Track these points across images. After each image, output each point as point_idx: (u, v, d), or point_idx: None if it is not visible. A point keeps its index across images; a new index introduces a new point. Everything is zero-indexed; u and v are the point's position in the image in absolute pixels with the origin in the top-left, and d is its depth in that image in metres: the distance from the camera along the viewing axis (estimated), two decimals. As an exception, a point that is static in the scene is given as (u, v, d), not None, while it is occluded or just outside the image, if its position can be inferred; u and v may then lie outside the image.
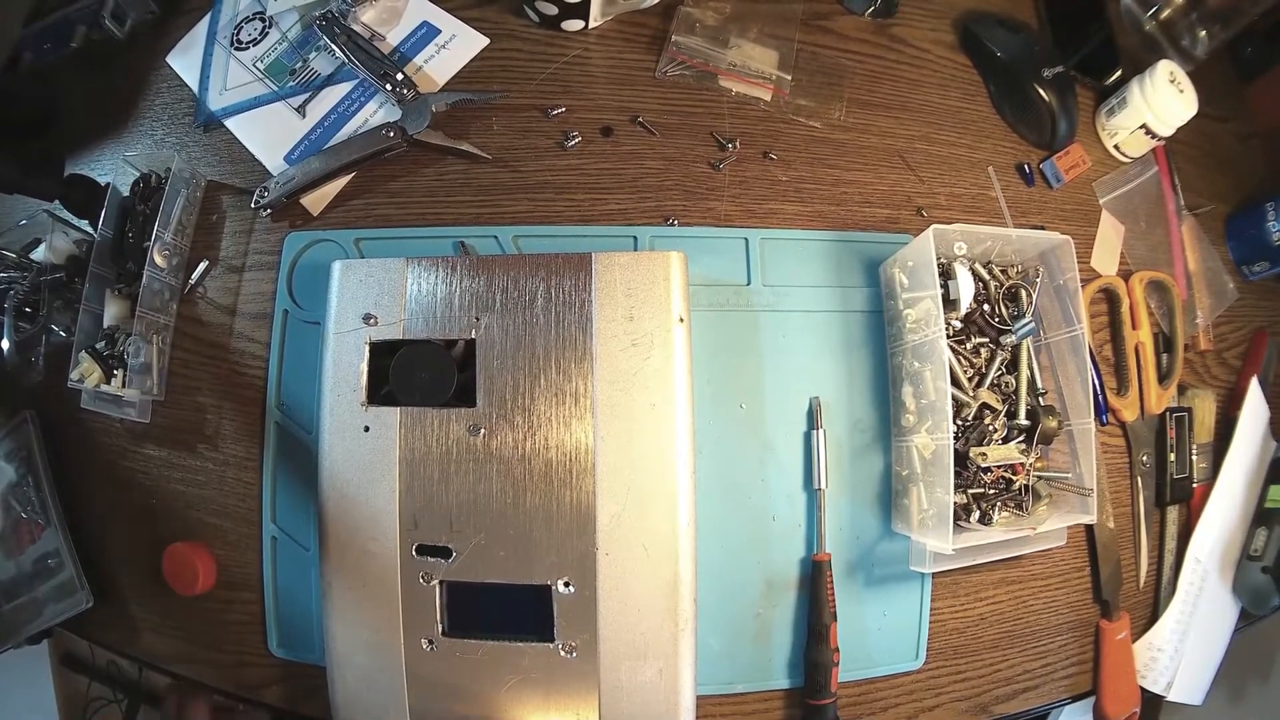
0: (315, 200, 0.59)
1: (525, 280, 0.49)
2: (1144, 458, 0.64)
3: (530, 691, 0.48)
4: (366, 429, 0.49)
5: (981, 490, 0.55)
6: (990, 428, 0.55)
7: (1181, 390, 0.67)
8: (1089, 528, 0.62)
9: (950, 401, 0.51)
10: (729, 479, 0.56)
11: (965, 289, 0.55)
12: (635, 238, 0.58)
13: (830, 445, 0.57)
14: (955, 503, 0.52)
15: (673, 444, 0.47)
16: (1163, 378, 0.66)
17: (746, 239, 0.59)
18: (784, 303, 0.58)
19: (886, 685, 0.56)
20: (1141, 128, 0.66)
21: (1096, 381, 0.62)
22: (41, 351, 0.57)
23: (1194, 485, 0.65)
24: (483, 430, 0.48)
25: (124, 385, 0.53)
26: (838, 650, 0.53)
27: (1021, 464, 0.55)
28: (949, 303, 0.55)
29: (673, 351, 0.48)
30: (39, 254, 0.58)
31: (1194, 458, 0.65)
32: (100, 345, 0.55)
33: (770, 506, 0.56)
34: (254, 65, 0.62)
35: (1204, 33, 0.70)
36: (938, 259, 0.54)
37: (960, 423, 0.55)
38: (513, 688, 0.48)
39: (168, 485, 0.56)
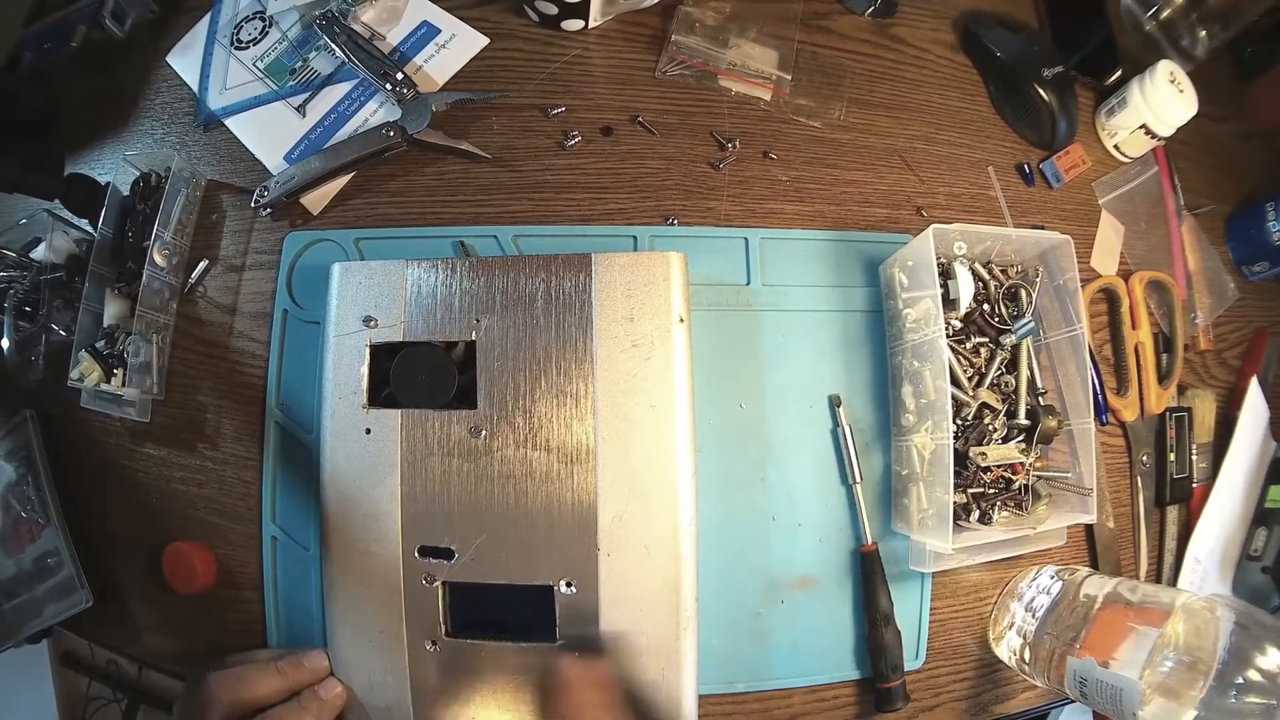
0: (315, 200, 0.59)
1: (525, 281, 0.49)
2: (1144, 458, 0.64)
3: (532, 691, 0.48)
4: (368, 431, 0.49)
5: (981, 490, 0.55)
6: (990, 427, 0.56)
7: (1181, 390, 0.67)
8: (1089, 527, 0.62)
9: (950, 401, 0.51)
10: (729, 478, 0.56)
11: (965, 289, 0.55)
12: (635, 237, 0.58)
13: (831, 444, 0.57)
14: (955, 502, 0.52)
15: (673, 444, 0.47)
16: (1163, 378, 0.66)
17: (746, 239, 0.59)
18: (784, 302, 0.58)
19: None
20: (1141, 128, 0.66)
21: (1096, 381, 0.62)
22: (41, 350, 0.57)
23: (1194, 485, 0.65)
24: (484, 432, 0.48)
25: (124, 384, 0.53)
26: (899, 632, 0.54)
27: (1021, 464, 0.55)
28: (949, 302, 0.55)
29: (673, 352, 0.48)
30: (39, 253, 0.58)
31: (1194, 458, 0.65)
32: (100, 344, 0.55)
33: (770, 506, 0.56)
34: (254, 65, 0.62)
35: (1204, 33, 0.70)
36: (937, 259, 0.54)
37: (960, 422, 0.55)
38: (515, 688, 0.48)
39: (168, 484, 0.56)
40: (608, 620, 0.47)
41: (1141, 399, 0.65)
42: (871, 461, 0.58)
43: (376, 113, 0.60)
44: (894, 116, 0.66)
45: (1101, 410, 0.63)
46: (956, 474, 0.52)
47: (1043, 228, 0.65)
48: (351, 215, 0.59)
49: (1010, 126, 0.68)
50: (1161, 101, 0.64)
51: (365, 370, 0.49)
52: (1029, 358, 0.57)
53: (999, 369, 0.57)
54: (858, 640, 0.56)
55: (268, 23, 0.63)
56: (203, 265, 0.58)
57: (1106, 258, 0.67)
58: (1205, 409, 0.67)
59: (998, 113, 0.68)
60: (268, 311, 0.57)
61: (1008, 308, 0.58)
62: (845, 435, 0.56)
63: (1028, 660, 0.54)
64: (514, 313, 0.49)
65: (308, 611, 0.53)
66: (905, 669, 0.54)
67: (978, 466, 0.54)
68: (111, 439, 0.57)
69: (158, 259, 0.55)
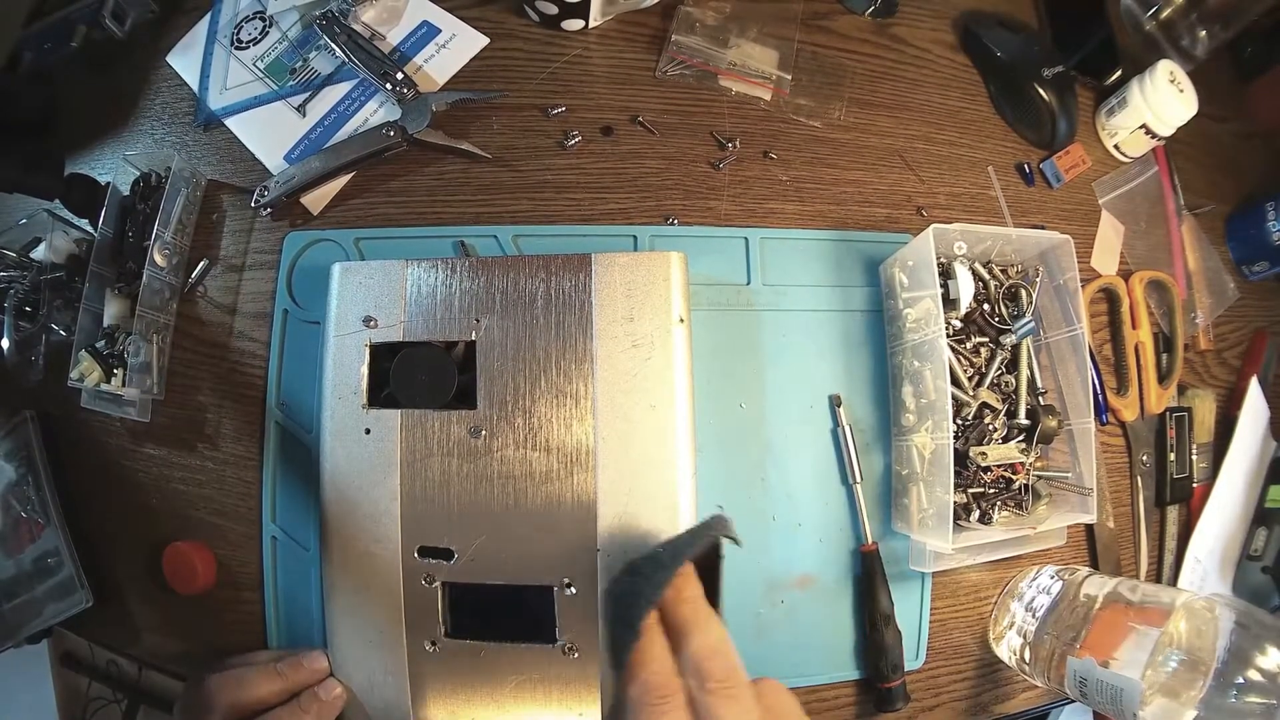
0: (315, 199, 0.59)
1: (525, 281, 0.49)
2: (1144, 457, 0.64)
3: (532, 692, 0.48)
4: (368, 431, 0.49)
5: (981, 490, 0.55)
6: (990, 427, 0.56)
7: (1181, 390, 0.67)
8: (1089, 527, 0.62)
9: (950, 401, 0.51)
10: (729, 478, 0.56)
11: (965, 288, 0.55)
12: (635, 237, 0.58)
13: (831, 444, 0.57)
14: (955, 502, 0.52)
15: (673, 444, 0.47)
16: (1163, 377, 0.66)
17: (746, 238, 0.59)
18: (784, 302, 0.58)
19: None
20: (1141, 128, 0.66)
21: (1096, 381, 0.62)
22: (41, 351, 0.57)
23: (1194, 485, 0.65)
24: (483, 432, 0.48)
25: (124, 384, 0.53)
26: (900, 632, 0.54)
27: (1021, 463, 0.55)
28: (949, 302, 0.55)
29: (673, 352, 0.48)
30: (39, 253, 0.58)
31: (1194, 457, 0.65)
32: (100, 344, 0.55)
33: (770, 506, 0.56)
34: (254, 64, 0.62)
35: (1204, 33, 0.70)
36: (938, 258, 0.54)
37: (960, 422, 0.55)
38: (515, 688, 0.48)
39: (168, 484, 0.56)
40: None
41: (1141, 399, 0.65)
42: (871, 461, 0.58)
43: (376, 113, 0.60)
44: (894, 116, 0.66)
45: (1101, 410, 0.63)
46: (956, 474, 0.52)
47: (1043, 228, 0.65)
48: (351, 215, 0.59)
49: (1010, 126, 0.68)
50: (1161, 101, 0.64)
51: (365, 370, 0.49)
52: (1029, 358, 0.57)
53: (999, 369, 0.57)
54: (858, 640, 0.56)
55: (268, 23, 0.63)
56: (203, 265, 0.58)
57: (1106, 258, 0.67)
58: (1205, 409, 0.67)
59: (998, 113, 0.68)
60: (268, 311, 0.57)
61: (1008, 308, 0.58)
62: (845, 435, 0.56)
63: (1028, 660, 0.54)
64: (514, 313, 0.49)
65: (308, 611, 0.53)
66: (905, 669, 0.54)
67: (978, 466, 0.54)
68: (111, 439, 0.57)
69: (158, 259, 0.55)
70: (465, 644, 0.48)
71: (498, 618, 0.48)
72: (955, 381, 0.55)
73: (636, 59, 0.63)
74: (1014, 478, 0.55)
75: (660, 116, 0.62)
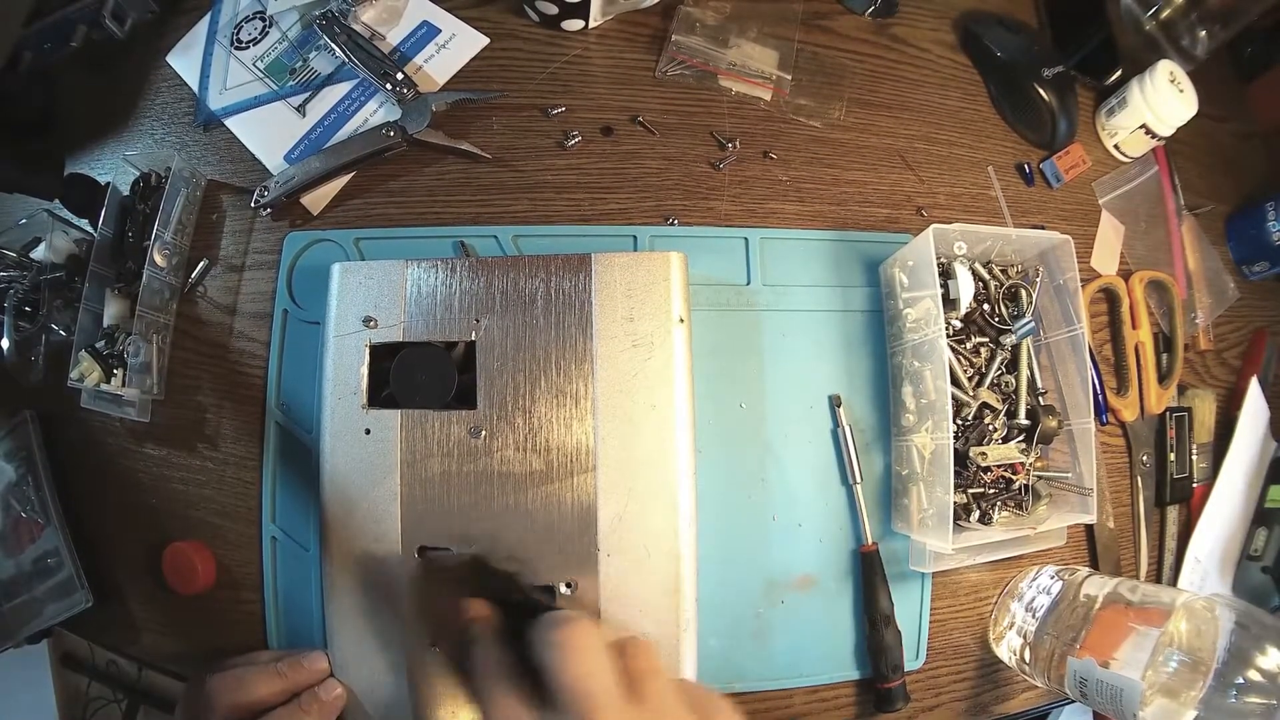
0: (315, 200, 0.59)
1: (525, 281, 0.49)
2: (1144, 458, 0.64)
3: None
4: (368, 432, 0.49)
5: (981, 490, 0.55)
6: (990, 427, 0.56)
7: (1181, 390, 0.67)
8: (1089, 527, 0.62)
9: (950, 401, 0.51)
10: (729, 479, 0.56)
11: (965, 288, 0.55)
12: (635, 237, 0.58)
13: (831, 444, 0.57)
14: (955, 502, 0.52)
15: (673, 445, 0.47)
16: (1163, 377, 0.66)
17: (746, 239, 0.59)
18: (784, 302, 0.58)
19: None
20: (1141, 128, 0.66)
21: (1096, 381, 0.62)
22: (41, 351, 0.57)
23: (1194, 485, 0.65)
24: (483, 432, 0.48)
25: (124, 384, 0.53)
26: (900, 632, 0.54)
27: (1021, 463, 0.55)
28: (949, 302, 0.55)
29: (673, 352, 0.48)
30: (39, 253, 0.58)
31: (1194, 458, 0.65)
32: (100, 344, 0.55)
33: (770, 506, 0.56)
34: (254, 65, 0.62)
35: (1204, 33, 0.70)
36: (938, 258, 0.54)
37: (960, 422, 0.55)
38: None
39: (168, 485, 0.56)
40: (608, 620, 0.47)
41: (1141, 399, 0.65)
42: (871, 461, 0.58)
43: (376, 113, 0.60)
44: (894, 116, 0.66)
45: (1101, 410, 0.63)
46: (956, 474, 0.52)
47: (1043, 228, 0.65)
48: (351, 215, 0.59)
49: (1010, 126, 0.68)
50: (1161, 101, 0.64)
51: (365, 370, 0.49)
52: (1029, 358, 0.57)
53: (999, 369, 0.57)
54: (858, 640, 0.56)
55: (268, 23, 0.63)
56: (203, 265, 0.58)
57: (1106, 258, 0.67)
58: (1205, 409, 0.67)
59: (998, 113, 0.69)
60: (268, 311, 0.57)
61: (1008, 308, 0.58)
62: (845, 435, 0.56)
63: (1028, 660, 0.54)
64: (514, 313, 0.49)
65: (308, 611, 0.53)
66: (905, 669, 0.54)
67: (978, 466, 0.54)
68: (111, 439, 0.57)
69: (158, 259, 0.55)
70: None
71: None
72: (955, 381, 0.55)
73: (636, 59, 0.63)
74: (1014, 478, 0.55)
75: (660, 116, 0.62)
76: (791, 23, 0.65)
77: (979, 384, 0.56)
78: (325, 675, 0.49)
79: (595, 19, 0.62)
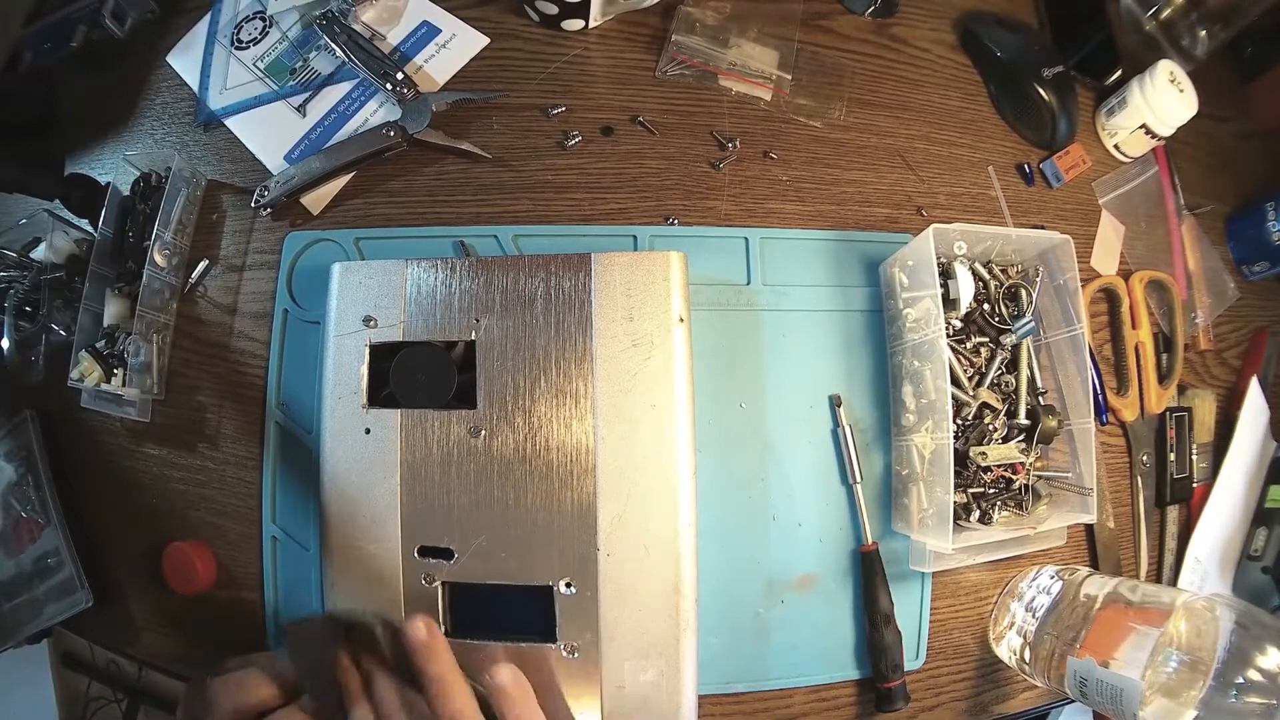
0: (315, 200, 0.59)
1: (525, 281, 0.49)
2: (1144, 457, 0.64)
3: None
4: (367, 431, 0.49)
5: (981, 490, 0.55)
6: (990, 427, 0.55)
7: (1181, 390, 0.67)
8: (1089, 527, 0.62)
9: (950, 401, 0.51)
10: (729, 478, 0.56)
11: (965, 288, 0.55)
12: (635, 237, 0.58)
13: (831, 444, 0.57)
14: (955, 502, 0.52)
15: (673, 444, 0.47)
16: (1163, 377, 0.66)
17: (746, 238, 0.59)
18: (784, 302, 0.58)
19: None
20: (1141, 128, 0.66)
21: (1096, 381, 0.62)
22: (41, 351, 0.57)
23: (1194, 485, 0.65)
24: (483, 432, 0.48)
25: (124, 384, 0.53)
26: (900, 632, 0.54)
27: (1021, 463, 0.55)
28: (949, 302, 0.55)
29: (673, 352, 0.48)
30: (39, 253, 0.58)
31: (1194, 457, 0.65)
32: (100, 344, 0.55)
33: (770, 506, 0.56)
34: (254, 64, 0.62)
35: (1204, 33, 0.70)
36: (938, 258, 0.54)
37: (960, 422, 0.55)
38: (513, 688, 0.48)
39: (168, 484, 0.56)
40: (608, 620, 0.47)
41: (1142, 399, 0.65)
42: (871, 461, 0.58)
43: (376, 113, 0.60)
44: (894, 116, 0.66)
45: (1101, 410, 0.63)
46: (956, 474, 0.52)
47: (1043, 228, 0.65)
48: (351, 215, 0.59)
49: (1010, 126, 0.68)
50: (1161, 101, 0.64)
51: (365, 370, 0.49)
52: (1029, 358, 0.57)
53: (999, 369, 0.57)
54: (858, 640, 0.56)
55: (268, 23, 0.63)
56: (203, 265, 0.58)
57: (1106, 258, 0.67)
58: (1205, 409, 0.67)
59: (998, 113, 0.68)
60: (268, 311, 0.57)
61: (1008, 307, 0.58)
62: (845, 435, 0.56)
63: (1028, 660, 0.54)
64: (514, 312, 0.49)
65: (308, 611, 0.53)
66: (905, 669, 0.54)
67: (978, 466, 0.54)
68: (111, 439, 0.57)
69: (158, 259, 0.55)
70: (465, 644, 0.48)
71: (498, 617, 0.48)
72: (955, 381, 0.55)
73: (636, 59, 0.63)
74: (1014, 478, 0.55)
75: (660, 116, 0.62)
76: (791, 23, 0.65)
77: (979, 384, 0.56)
78: None
79: (595, 19, 0.62)
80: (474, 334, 0.49)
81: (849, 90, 0.65)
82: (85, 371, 0.53)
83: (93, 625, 0.57)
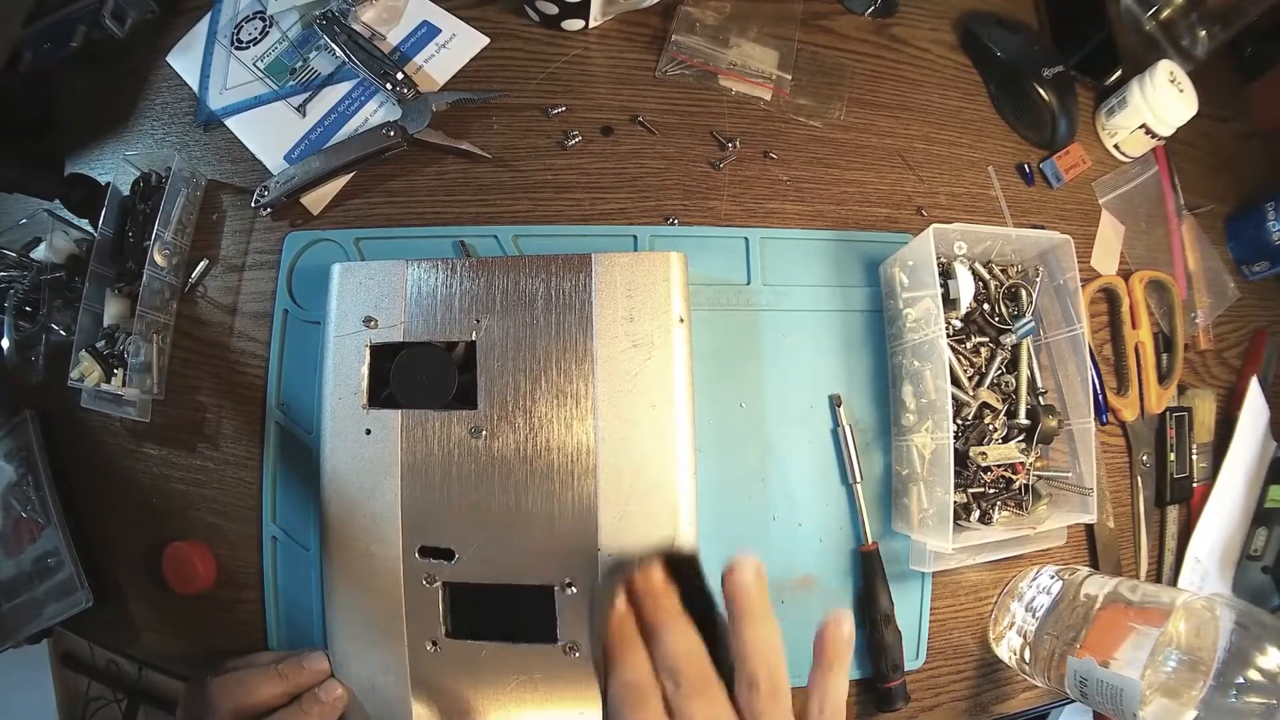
0: (315, 200, 0.59)
1: (525, 281, 0.49)
2: (1144, 457, 0.64)
3: (533, 692, 0.48)
4: (368, 432, 0.49)
5: (981, 490, 0.55)
6: (990, 427, 0.56)
7: (1181, 390, 0.67)
8: (1089, 527, 0.62)
9: (950, 401, 0.51)
10: (729, 478, 0.56)
11: (965, 288, 0.55)
12: (635, 237, 0.58)
13: (831, 444, 0.57)
14: (955, 502, 0.52)
15: (673, 444, 0.47)
16: (1163, 377, 0.66)
17: (746, 238, 0.59)
18: (784, 302, 0.58)
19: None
20: (1141, 128, 0.66)
21: (1096, 381, 0.62)
22: (41, 351, 0.57)
23: (1194, 485, 0.65)
24: (484, 432, 0.48)
25: (124, 384, 0.53)
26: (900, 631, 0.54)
27: (1021, 463, 0.55)
28: (949, 302, 0.55)
29: (673, 352, 0.48)
30: (39, 253, 0.58)
31: (1194, 457, 0.65)
32: (100, 344, 0.55)
33: (770, 506, 0.56)
34: (254, 64, 0.62)
35: (1204, 33, 0.70)
36: (938, 258, 0.54)
37: (960, 422, 0.55)
38: (516, 688, 0.48)
39: (168, 484, 0.56)
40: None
41: (1142, 399, 0.65)
42: (871, 461, 0.58)
43: (376, 113, 0.60)
44: (894, 116, 0.66)
45: (1101, 410, 0.63)
46: (957, 474, 0.52)
47: (1043, 228, 0.65)
48: (351, 215, 0.59)
49: (1010, 126, 0.68)
50: (1161, 101, 0.64)
51: (365, 370, 0.49)
52: (1029, 357, 0.57)
53: (999, 369, 0.57)
54: (858, 640, 0.56)
55: (268, 23, 0.63)
56: (203, 265, 0.58)
57: (1106, 258, 0.67)
58: (1205, 409, 0.67)
59: (998, 113, 0.68)
60: (268, 311, 0.57)
61: (1008, 307, 0.58)
62: (845, 435, 0.56)
63: (1028, 660, 0.54)
64: (514, 313, 0.49)
65: (308, 612, 0.53)
66: (906, 669, 0.54)
67: (978, 466, 0.54)
68: (111, 439, 0.57)
69: (158, 259, 0.55)
70: (466, 644, 0.48)
71: (498, 618, 0.48)
72: (955, 381, 0.55)
73: (636, 59, 0.63)
74: (1014, 478, 0.55)
75: (660, 116, 0.62)
76: (791, 23, 0.65)
77: (979, 384, 0.56)
78: (326, 676, 0.49)
79: (595, 19, 0.62)
80: (474, 334, 0.49)
81: (849, 90, 0.65)
82: (85, 371, 0.53)
83: (93, 625, 0.57)
